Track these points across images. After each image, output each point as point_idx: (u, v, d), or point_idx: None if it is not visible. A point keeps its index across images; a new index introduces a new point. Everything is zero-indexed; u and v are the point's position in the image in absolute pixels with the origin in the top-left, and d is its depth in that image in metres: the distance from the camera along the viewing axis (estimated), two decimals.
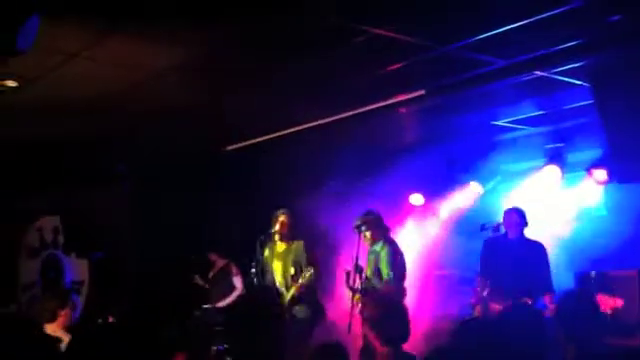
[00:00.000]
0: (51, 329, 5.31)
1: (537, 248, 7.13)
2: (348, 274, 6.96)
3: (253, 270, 7.12)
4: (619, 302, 7.03)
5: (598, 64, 5.76)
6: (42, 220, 10.64)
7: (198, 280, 9.09)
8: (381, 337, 3.85)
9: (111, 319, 6.65)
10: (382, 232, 7.24)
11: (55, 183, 9.23)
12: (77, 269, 10.23)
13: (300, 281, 6.87)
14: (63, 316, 5.64)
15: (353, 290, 6.95)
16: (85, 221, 9.73)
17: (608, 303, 6.97)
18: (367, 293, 6.75)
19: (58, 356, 3.41)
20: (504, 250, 7.18)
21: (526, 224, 7.19)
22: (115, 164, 8.82)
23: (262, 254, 7.23)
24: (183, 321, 7.52)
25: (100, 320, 6.57)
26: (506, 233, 7.28)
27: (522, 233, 7.18)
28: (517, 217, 7.19)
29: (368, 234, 7.19)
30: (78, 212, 9.73)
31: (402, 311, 3.95)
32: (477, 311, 7.22)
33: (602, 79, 5.98)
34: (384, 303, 4.03)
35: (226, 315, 7.75)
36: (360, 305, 6.74)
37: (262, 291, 6.37)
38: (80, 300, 9.38)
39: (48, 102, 6.68)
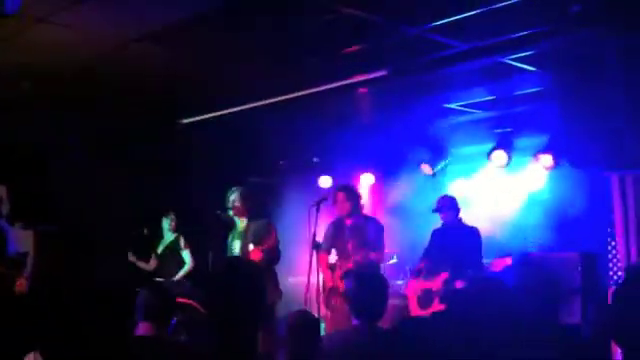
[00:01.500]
0: None
1: (469, 232, 7.53)
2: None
3: (210, 244, 7.13)
4: (508, 260, 7.46)
5: (559, 51, 5.97)
6: None
7: (130, 257, 9.03)
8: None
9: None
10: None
11: (4, 152, 9.03)
12: (22, 240, 10.04)
13: (260, 249, 6.84)
14: (19, 285, 5.58)
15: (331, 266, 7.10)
16: (33, 192, 9.55)
17: (500, 264, 7.41)
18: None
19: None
20: (441, 236, 7.65)
21: (457, 209, 7.58)
22: (69, 135, 8.68)
23: (226, 238, 7.22)
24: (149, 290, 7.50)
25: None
26: (443, 221, 7.65)
27: (458, 219, 7.58)
28: (447, 203, 7.60)
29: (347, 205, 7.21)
30: (27, 182, 9.55)
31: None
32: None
33: (563, 66, 6.20)
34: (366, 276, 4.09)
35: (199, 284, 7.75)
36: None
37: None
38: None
39: (6, 68, 6.56)
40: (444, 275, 7.21)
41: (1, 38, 5.73)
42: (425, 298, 7.40)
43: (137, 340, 3.95)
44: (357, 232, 7.12)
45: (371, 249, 6.95)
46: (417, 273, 7.67)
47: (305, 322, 4.01)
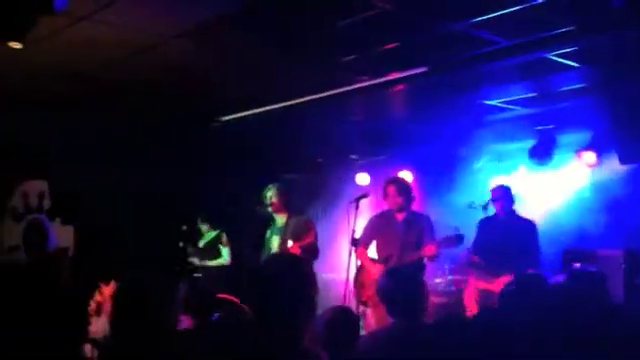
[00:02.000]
0: None
1: (527, 226, 7.24)
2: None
3: (248, 240, 7.15)
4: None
5: (604, 47, 5.85)
6: (28, 184, 10.56)
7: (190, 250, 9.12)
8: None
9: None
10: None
11: (46, 147, 9.16)
12: (61, 235, 10.19)
13: (298, 245, 6.83)
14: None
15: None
16: (73, 188, 9.68)
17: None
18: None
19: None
20: (494, 228, 7.32)
21: (513, 200, 7.30)
22: (109, 132, 8.75)
23: (264, 235, 7.22)
24: (188, 284, 7.58)
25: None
26: (495, 212, 7.40)
27: (512, 210, 7.30)
28: (503, 193, 7.31)
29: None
30: (67, 178, 9.68)
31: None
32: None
33: (608, 61, 6.08)
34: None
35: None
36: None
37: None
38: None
39: (48, 65, 6.62)
40: (506, 278, 6.92)
41: (43, 36, 5.77)
42: (485, 300, 7.06)
43: (179, 333, 3.97)
44: (410, 228, 6.91)
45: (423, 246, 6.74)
46: (476, 267, 7.36)
47: (343, 318, 3.97)
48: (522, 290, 3.96)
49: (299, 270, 3.15)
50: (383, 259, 6.91)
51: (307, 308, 3.08)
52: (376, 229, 7.07)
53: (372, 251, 7.08)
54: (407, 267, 6.52)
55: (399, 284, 3.83)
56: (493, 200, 7.36)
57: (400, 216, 6.97)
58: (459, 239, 6.75)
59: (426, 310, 3.83)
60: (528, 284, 4.00)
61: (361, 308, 6.90)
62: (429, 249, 6.64)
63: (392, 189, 6.95)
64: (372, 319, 6.84)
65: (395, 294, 3.81)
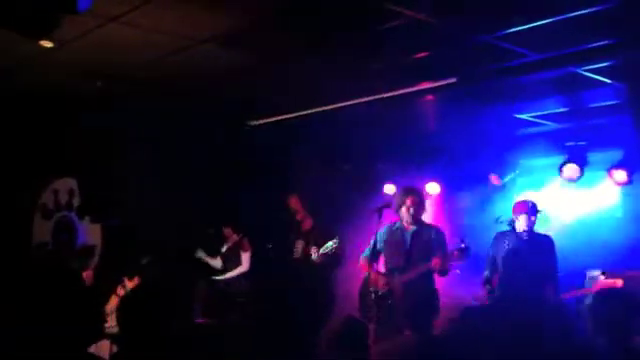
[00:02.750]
0: None
1: (545, 241, 7.08)
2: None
3: (270, 246, 7.14)
4: (619, 282, 7.04)
5: (636, 63, 5.77)
6: (58, 182, 10.69)
7: (200, 254, 9.18)
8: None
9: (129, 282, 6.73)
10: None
11: (76, 146, 9.28)
12: (90, 233, 10.29)
13: (321, 251, 6.81)
14: (85, 276, 5.68)
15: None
16: (102, 186, 9.77)
17: (607, 284, 6.99)
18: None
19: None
20: (512, 243, 7.13)
21: (535, 213, 7.07)
22: (140, 133, 8.83)
23: (284, 235, 7.23)
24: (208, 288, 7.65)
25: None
26: (514, 226, 7.25)
27: (531, 226, 7.08)
28: (528, 207, 7.09)
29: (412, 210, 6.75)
30: (96, 177, 9.77)
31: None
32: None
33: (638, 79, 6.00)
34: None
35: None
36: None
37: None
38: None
39: (78, 65, 6.72)
40: None
41: (74, 36, 5.86)
42: None
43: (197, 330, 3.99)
44: (418, 241, 6.75)
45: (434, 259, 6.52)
46: (487, 284, 7.13)
47: (350, 328, 3.91)
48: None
49: (316, 280, 3.15)
50: (389, 271, 6.76)
51: (321, 317, 3.06)
52: (385, 240, 6.88)
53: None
54: (419, 279, 6.41)
55: (414, 297, 3.79)
56: (515, 213, 7.15)
57: (409, 227, 6.81)
58: (464, 252, 6.53)
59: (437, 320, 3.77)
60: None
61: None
62: (434, 263, 6.48)
63: (410, 201, 6.73)
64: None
65: (411, 307, 3.78)
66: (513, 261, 6.97)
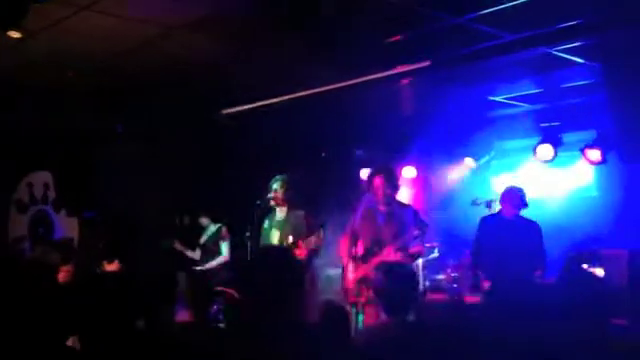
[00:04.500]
0: None
1: (532, 227, 7.12)
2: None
3: (248, 234, 7.08)
4: (599, 272, 7.11)
5: (610, 43, 5.79)
6: (32, 175, 10.59)
7: (178, 245, 9.13)
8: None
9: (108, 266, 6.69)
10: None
11: (50, 139, 9.18)
12: (67, 226, 10.22)
13: (305, 246, 6.76)
14: (64, 272, 5.60)
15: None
16: (77, 179, 9.69)
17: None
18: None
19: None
20: (499, 228, 7.16)
21: (525, 205, 7.14)
22: (113, 123, 8.76)
23: (261, 224, 7.16)
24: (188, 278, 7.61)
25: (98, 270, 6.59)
26: (501, 211, 7.30)
27: (518, 212, 7.16)
28: (517, 197, 7.13)
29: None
30: (71, 169, 9.69)
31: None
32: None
33: (613, 58, 6.02)
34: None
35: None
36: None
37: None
38: None
39: (50, 56, 6.62)
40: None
41: (44, 26, 5.77)
42: None
43: (178, 326, 3.95)
44: (393, 220, 6.53)
45: (408, 239, 6.35)
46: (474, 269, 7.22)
47: (329, 314, 3.86)
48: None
49: (288, 266, 3.13)
50: (364, 253, 6.62)
51: (294, 303, 3.04)
52: (360, 223, 6.70)
53: None
54: (395, 262, 6.26)
55: (392, 281, 3.78)
56: (503, 201, 7.21)
57: (383, 208, 6.58)
58: (422, 227, 6.35)
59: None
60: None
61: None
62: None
63: (379, 180, 6.52)
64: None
65: (389, 291, 3.77)
66: (501, 245, 6.96)
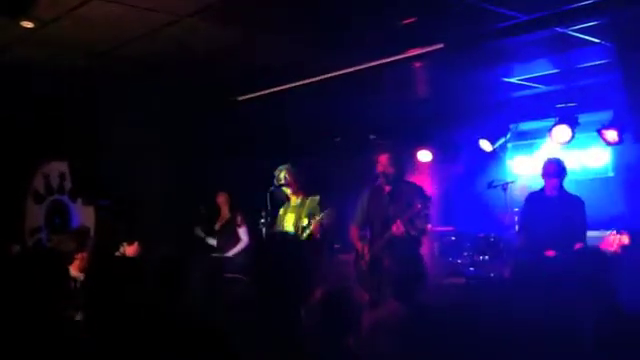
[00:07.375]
0: None
1: (575, 202, 7.00)
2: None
3: (262, 220, 7.10)
4: (625, 239, 7.01)
5: (624, 22, 5.72)
6: (48, 165, 10.63)
7: (199, 232, 9.17)
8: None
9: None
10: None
11: (65, 128, 9.19)
12: (83, 215, 10.25)
13: (316, 221, 6.73)
14: (79, 259, 5.65)
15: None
16: (93, 167, 9.72)
17: (614, 242, 6.95)
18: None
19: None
20: (542, 204, 7.08)
21: (565, 173, 7.01)
22: (129, 111, 8.74)
23: (275, 210, 7.17)
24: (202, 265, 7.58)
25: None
26: (545, 186, 7.13)
27: (561, 186, 7.02)
28: (556, 166, 7.03)
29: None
30: (86, 159, 9.72)
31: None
32: None
33: (627, 38, 5.94)
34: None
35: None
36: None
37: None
38: None
39: (63, 45, 6.62)
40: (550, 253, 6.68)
41: (56, 15, 5.76)
42: None
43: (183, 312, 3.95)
44: (398, 198, 6.42)
45: (413, 214, 6.20)
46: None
47: (338, 299, 3.77)
48: None
49: (298, 252, 3.12)
50: (372, 234, 6.58)
51: (304, 290, 3.02)
52: (368, 204, 6.69)
53: None
54: (401, 243, 6.19)
55: (397, 263, 3.74)
56: (544, 174, 7.07)
57: (387, 188, 6.55)
58: (425, 201, 6.26)
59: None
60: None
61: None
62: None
63: (384, 158, 6.51)
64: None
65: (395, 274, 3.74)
66: (544, 222, 6.90)
